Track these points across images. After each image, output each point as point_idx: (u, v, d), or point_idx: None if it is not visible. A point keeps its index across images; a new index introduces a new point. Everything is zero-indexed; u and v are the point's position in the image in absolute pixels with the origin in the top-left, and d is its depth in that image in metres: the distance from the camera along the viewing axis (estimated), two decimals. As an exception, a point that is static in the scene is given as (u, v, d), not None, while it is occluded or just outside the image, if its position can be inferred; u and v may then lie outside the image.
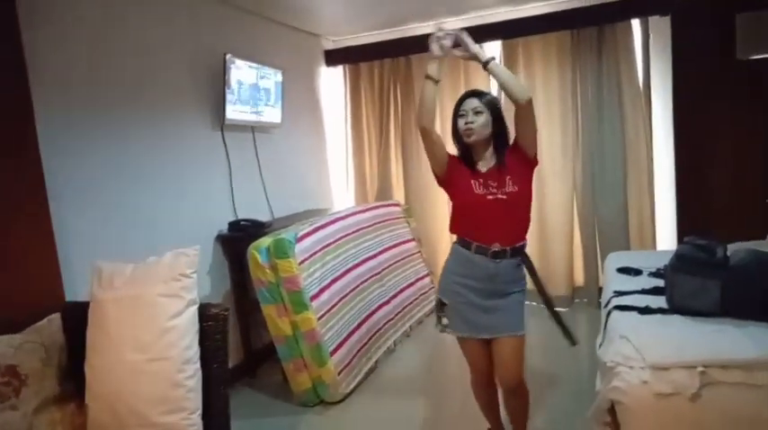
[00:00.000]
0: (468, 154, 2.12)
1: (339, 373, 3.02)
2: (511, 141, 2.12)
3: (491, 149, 2.09)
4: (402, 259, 4.14)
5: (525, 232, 2.13)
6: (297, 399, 3.04)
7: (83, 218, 2.53)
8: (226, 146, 3.47)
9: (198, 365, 1.86)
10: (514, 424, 2.26)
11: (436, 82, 2.05)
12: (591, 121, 4.13)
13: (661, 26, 3.97)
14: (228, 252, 3.41)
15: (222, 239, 3.39)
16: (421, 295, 4.22)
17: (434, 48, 2.06)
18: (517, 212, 2.08)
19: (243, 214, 3.55)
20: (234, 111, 3.38)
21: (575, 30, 4.09)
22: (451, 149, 2.20)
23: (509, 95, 1.99)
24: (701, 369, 1.55)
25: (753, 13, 4.01)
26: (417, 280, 4.23)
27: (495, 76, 2.01)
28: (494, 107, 2.08)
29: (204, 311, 1.96)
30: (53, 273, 2.27)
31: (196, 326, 1.89)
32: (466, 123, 2.05)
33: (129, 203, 2.79)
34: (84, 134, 2.56)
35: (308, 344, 2.97)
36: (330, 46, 4.80)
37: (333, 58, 4.77)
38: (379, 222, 4.08)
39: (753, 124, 4.19)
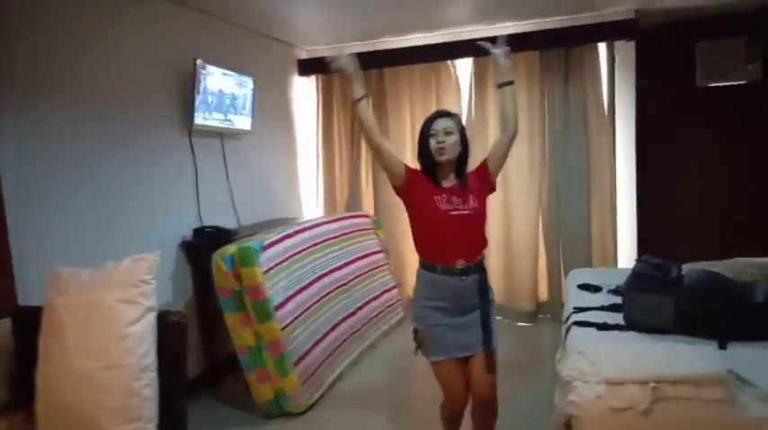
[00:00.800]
0: (432, 171, 2.15)
1: (302, 384, 2.99)
2: (471, 163, 2.19)
3: (456, 168, 2.15)
4: (369, 270, 4.14)
5: (484, 247, 2.18)
6: (259, 410, 2.99)
7: (41, 221, 2.46)
8: (193, 151, 3.43)
9: (155, 374, 1.82)
10: None
11: (367, 99, 2.11)
12: (557, 140, 4.23)
13: (627, 50, 4.10)
14: (192, 259, 3.36)
15: (186, 246, 3.33)
16: (387, 307, 4.22)
17: (347, 63, 2.15)
18: (478, 228, 2.14)
19: (208, 221, 3.50)
20: (203, 117, 3.35)
21: (543, 50, 4.19)
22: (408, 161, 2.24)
23: (508, 122, 2.19)
24: (653, 384, 1.59)
25: (711, 42, 4.20)
26: (384, 291, 4.23)
27: (509, 98, 2.19)
28: (462, 128, 2.16)
29: (163, 319, 1.93)
30: (5, 275, 2.20)
31: (154, 334, 1.86)
32: (438, 142, 2.09)
33: (91, 207, 2.72)
34: (45, 136, 2.50)
35: (271, 355, 2.94)
36: (303, 55, 4.81)
37: (306, 67, 4.77)
38: (348, 233, 4.08)
39: (712, 148, 4.36)
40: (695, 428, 1.57)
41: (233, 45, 3.87)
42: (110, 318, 1.77)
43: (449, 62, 4.48)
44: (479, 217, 2.12)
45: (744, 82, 4.16)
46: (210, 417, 3.01)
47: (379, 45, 4.56)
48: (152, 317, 1.86)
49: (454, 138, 2.10)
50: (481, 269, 2.13)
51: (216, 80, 3.44)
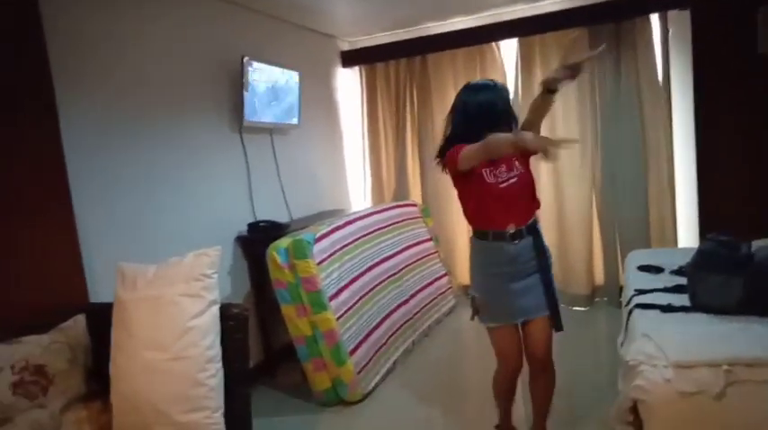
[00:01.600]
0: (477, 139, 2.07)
1: (358, 373, 3.03)
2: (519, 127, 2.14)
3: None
4: (419, 259, 4.14)
5: (536, 209, 2.15)
6: (316, 399, 3.06)
7: (105, 219, 2.57)
8: (244, 147, 3.51)
9: (219, 364, 1.88)
10: (538, 406, 2.26)
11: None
12: (610, 119, 4.08)
13: (680, 21, 3.90)
14: (248, 253, 3.44)
15: (241, 240, 3.42)
16: (439, 295, 4.21)
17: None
18: (527, 191, 2.12)
19: (262, 215, 3.58)
20: (252, 113, 3.41)
21: (592, 26, 4.04)
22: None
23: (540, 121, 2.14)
24: (725, 367, 1.52)
25: (775, 4, 3.93)
26: (435, 280, 4.23)
27: (547, 108, 2.12)
28: (502, 95, 2.14)
29: (225, 311, 1.99)
30: (77, 274, 2.31)
31: (217, 326, 1.92)
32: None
33: (151, 205, 2.83)
34: (108, 136, 2.61)
35: (327, 344, 2.99)
36: (346, 47, 4.82)
37: (349, 58, 4.79)
38: (397, 222, 4.09)
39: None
40: (772, 412, 1.50)
41: (277, 40, 3.93)
42: (174, 311, 1.84)
43: (493, 44, 4.39)
44: (527, 181, 2.11)
45: (812, 46, 3.89)
46: (269, 406, 3.10)
47: (421, 32, 4.52)
48: (215, 310, 1.92)
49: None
50: (534, 231, 2.11)
51: (263, 76, 3.49)
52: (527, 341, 2.16)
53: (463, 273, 4.63)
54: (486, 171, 2.05)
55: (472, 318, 2.23)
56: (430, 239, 4.40)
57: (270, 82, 3.57)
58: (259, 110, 3.48)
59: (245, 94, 3.32)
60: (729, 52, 4.13)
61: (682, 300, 2.16)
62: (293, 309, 3.03)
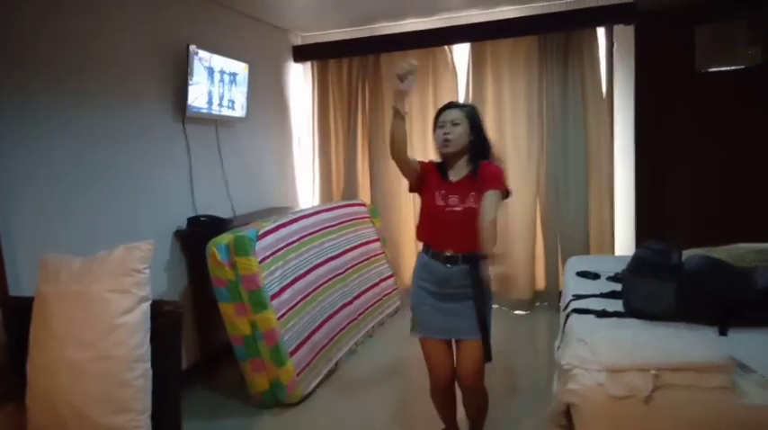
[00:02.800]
0: (443, 163, 2.17)
1: (298, 374, 2.97)
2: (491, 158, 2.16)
3: (465, 158, 2.14)
4: (366, 259, 4.11)
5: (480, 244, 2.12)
6: (254, 400, 2.97)
7: (33, 211, 2.41)
8: (187, 139, 3.38)
9: (148, 364, 1.79)
10: (472, 423, 2.32)
11: (403, 117, 2.06)
12: (555, 126, 4.18)
13: (625, 35, 4.05)
14: (187, 248, 3.32)
15: (180, 235, 3.30)
16: (384, 296, 4.20)
17: (404, 84, 2.03)
18: (472, 226, 2.03)
19: (203, 210, 3.47)
20: (196, 104, 3.29)
21: (542, 35, 4.13)
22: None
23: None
24: (654, 372, 1.57)
25: (711, 25, 4.14)
26: (381, 280, 4.21)
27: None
28: (472, 117, 2.13)
29: (157, 308, 1.90)
30: (-5, 265, 2.16)
31: (147, 324, 1.83)
32: (444, 134, 2.09)
33: (85, 195, 2.68)
34: (38, 124, 2.45)
35: (266, 344, 2.91)
36: (298, 41, 4.74)
37: (301, 53, 4.71)
38: (344, 222, 4.04)
39: (711, 133, 4.32)
40: (696, 415, 1.55)
41: (227, 31, 3.81)
42: (100, 308, 1.73)
43: (445, 47, 4.42)
44: (474, 217, 2.04)
45: (743, 66, 4.12)
46: (205, 407, 2.99)
47: (375, 31, 4.50)
48: (146, 307, 1.83)
49: (461, 129, 2.09)
50: (472, 261, 2.10)
51: (209, 66, 3.38)
52: (457, 362, 2.19)
53: (409, 275, 4.62)
54: (438, 193, 2.11)
55: (411, 332, 2.27)
56: (377, 240, 4.38)
57: (216, 72, 3.45)
58: (204, 100, 3.36)
59: (190, 83, 3.20)
60: (669, 68, 4.32)
61: (616, 305, 2.22)
62: (232, 307, 2.93)
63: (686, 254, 2.29)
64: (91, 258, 1.88)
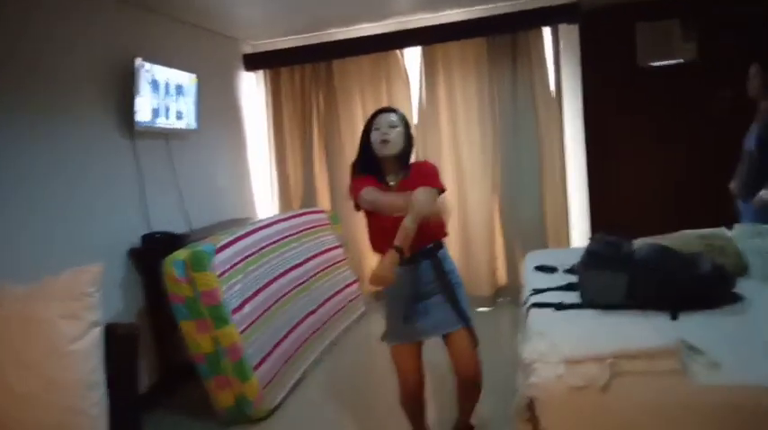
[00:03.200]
0: (377, 168, 2.18)
1: (264, 388, 2.92)
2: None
3: (399, 163, 2.19)
4: (328, 266, 4.09)
5: (435, 234, 2.18)
6: (220, 418, 2.91)
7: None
8: (137, 154, 3.29)
9: (103, 391, 1.73)
10: (463, 411, 2.36)
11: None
12: (508, 125, 4.26)
13: (570, 34, 4.17)
14: (142, 267, 3.23)
15: (135, 253, 3.20)
16: (348, 302, 4.18)
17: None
18: (422, 221, 2.06)
19: (158, 226, 3.38)
20: (144, 118, 3.21)
21: (490, 36, 4.21)
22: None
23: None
24: (610, 360, 1.61)
25: (650, 22, 4.31)
26: (345, 287, 4.19)
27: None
28: (406, 123, 2.20)
29: (111, 332, 1.84)
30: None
31: (101, 349, 1.77)
32: (383, 135, 2.11)
33: (26, 219, 2.57)
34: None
35: (229, 360, 2.86)
36: (249, 50, 4.68)
37: (252, 62, 4.66)
38: (305, 230, 4.01)
39: (654, 125, 4.49)
40: (651, 399, 1.60)
41: (173, 41, 3.74)
42: (48, 334, 1.67)
43: (397, 52, 4.45)
44: None
45: (681, 61, 4.30)
46: (168, 428, 2.91)
47: (327, 37, 4.49)
48: (97, 332, 1.77)
49: (398, 131, 2.14)
50: (431, 254, 2.15)
51: (157, 78, 3.30)
52: (452, 358, 2.21)
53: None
54: None
55: (382, 339, 2.28)
56: (339, 246, 4.36)
57: (163, 84, 3.38)
58: (153, 114, 3.28)
59: (137, 97, 3.12)
60: (613, 64, 4.48)
61: (573, 297, 2.27)
62: (193, 324, 2.87)
63: (636, 243, 2.37)
64: (36, 283, 1.81)
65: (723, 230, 2.62)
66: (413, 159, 2.27)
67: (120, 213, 3.15)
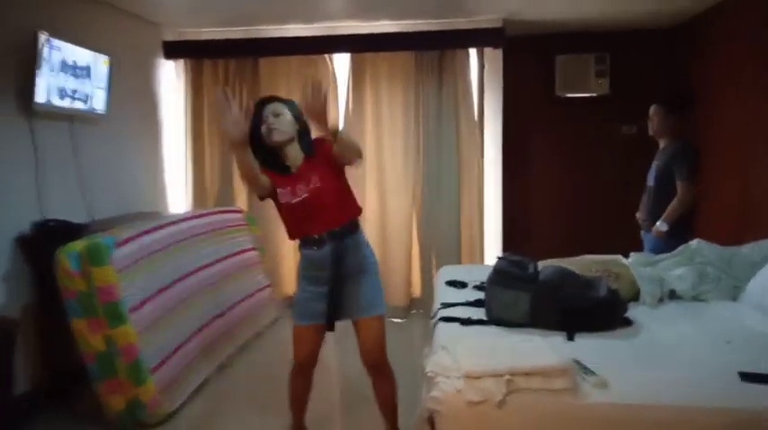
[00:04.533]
0: (275, 158, 2.18)
1: (161, 392, 2.76)
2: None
3: (296, 147, 2.19)
4: (241, 269, 3.95)
5: (342, 217, 2.19)
6: (110, 423, 2.72)
7: None
8: (33, 134, 3.03)
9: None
10: (383, 408, 2.35)
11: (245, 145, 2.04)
12: (430, 139, 4.35)
13: (495, 57, 4.32)
14: (32, 257, 2.97)
15: (23, 242, 2.94)
16: (260, 307, 4.06)
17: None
18: (327, 203, 2.14)
19: (53, 214, 3.12)
20: (45, 96, 2.97)
21: (418, 51, 4.28)
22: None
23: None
24: (507, 377, 1.65)
25: (568, 55, 4.57)
26: (257, 291, 4.07)
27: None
28: (293, 107, 2.18)
29: (-17, 327, 1.66)
30: None
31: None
32: (270, 125, 2.11)
33: None
34: None
35: (123, 361, 2.68)
36: (170, 37, 4.47)
37: (173, 50, 4.45)
38: (218, 229, 3.86)
39: (568, 152, 4.75)
40: (544, 416, 1.65)
41: (84, 19, 3.49)
42: None
43: (326, 56, 4.41)
44: (322, 195, 2.13)
45: (595, 94, 4.58)
46: (50, 434, 2.69)
47: (255, 33, 4.38)
48: (-35, 325, 1.59)
49: (286, 118, 2.14)
50: (338, 237, 2.15)
51: (63, 57, 3.06)
52: (360, 341, 2.25)
53: (289, 284, 4.55)
54: (281, 191, 2.14)
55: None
56: (254, 249, 4.23)
57: (72, 63, 3.14)
58: (54, 93, 3.04)
59: (38, 74, 2.87)
60: (534, 91, 4.70)
61: (480, 313, 2.33)
62: (85, 322, 2.67)
63: (542, 264, 2.47)
64: None
65: (620, 258, 2.80)
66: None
67: (8, 197, 2.88)
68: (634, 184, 3.84)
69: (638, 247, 3.45)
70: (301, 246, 2.22)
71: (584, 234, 4.61)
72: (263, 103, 2.17)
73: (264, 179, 2.13)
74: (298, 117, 2.17)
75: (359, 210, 2.28)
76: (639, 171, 3.70)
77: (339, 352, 3.55)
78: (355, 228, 2.23)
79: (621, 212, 4.15)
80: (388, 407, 2.35)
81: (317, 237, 2.14)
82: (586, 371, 1.75)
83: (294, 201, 2.12)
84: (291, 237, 2.25)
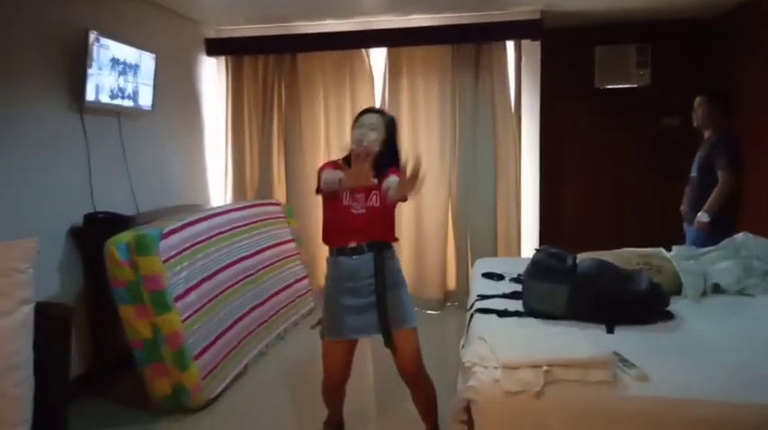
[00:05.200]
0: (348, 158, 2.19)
1: (203, 378, 2.86)
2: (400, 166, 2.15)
3: (371, 165, 2.13)
4: (279, 260, 4.04)
5: (385, 233, 2.20)
6: (154, 407, 2.83)
7: None
8: (85, 130, 3.16)
9: (29, 372, 1.66)
10: (424, 415, 2.34)
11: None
12: (467, 133, 4.32)
13: (533, 50, 4.26)
14: (83, 248, 3.11)
15: (76, 233, 3.08)
16: (297, 297, 4.14)
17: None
18: (374, 222, 2.15)
19: (103, 206, 3.25)
20: (96, 94, 3.09)
21: (455, 45, 4.26)
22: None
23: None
24: (545, 368, 1.65)
25: (608, 47, 4.48)
26: (295, 282, 4.15)
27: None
28: (389, 127, 2.20)
29: (43, 312, 1.76)
30: None
31: (30, 329, 1.69)
32: (360, 134, 2.13)
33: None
34: None
35: (169, 348, 2.78)
36: (212, 34, 4.58)
37: (214, 47, 4.55)
38: (257, 221, 3.95)
39: (607, 145, 4.66)
40: (582, 408, 1.65)
41: (131, 18, 3.61)
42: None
43: (363, 51, 4.44)
44: (377, 215, 2.14)
45: (635, 85, 4.48)
46: (100, 417, 2.82)
47: (292, 29, 4.44)
48: (27, 309, 1.69)
49: (376, 135, 2.14)
50: (377, 249, 2.15)
51: (112, 55, 3.18)
52: (396, 354, 2.21)
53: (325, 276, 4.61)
54: (346, 194, 2.12)
55: (312, 327, 2.27)
56: (292, 241, 4.31)
57: (120, 61, 3.26)
58: (105, 90, 3.16)
59: (89, 71, 3.00)
60: (572, 83, 4.62)
61: (517, 305, 2.33)
62: (132, 310, 2.78)
63: (580, 257, 2.45)
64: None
65: (662, 251, 2.75)
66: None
67: (62, 190, 3.01)
68: (677, 177, 3.75)
69: (682, 241, 3.39)
70: (336, 253, 2.18)
71: (625, 227, 4.53)
72: (368, 111, 2.23)
73: (339, 174, 2.10)
74: (389, 137, 2.18)
75: (395, 239, 2.27)
76: (683, 163, 3.61)
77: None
78: (390, 244, 2.23)
79: (664, 206, 4.06)
80: (428, 414, 2.34)
81: (355, 245, 2.14)
82: (626, 363, 1.73)
83: (352, 208, 2.12)
84: (328, 241, 2.23)
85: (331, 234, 2.22)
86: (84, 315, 3.13)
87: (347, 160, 2.20)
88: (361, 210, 2.13)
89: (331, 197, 2.15)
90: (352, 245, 2.14)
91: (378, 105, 4.46)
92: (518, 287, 2.56)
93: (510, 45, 4.25)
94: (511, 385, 1.65)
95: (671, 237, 3.50)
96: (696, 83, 4.14)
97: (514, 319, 2.22)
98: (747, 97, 3.75)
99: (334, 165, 2.21)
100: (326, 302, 2.22)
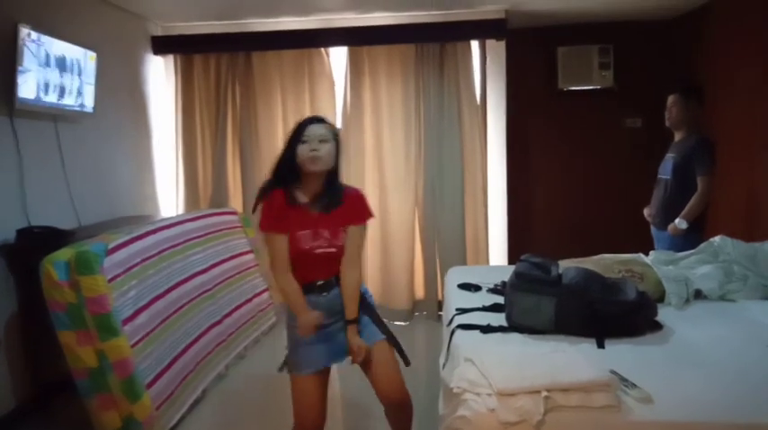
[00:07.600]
0: (296, 181, 1.95)
1: (157, 408, 2.60)
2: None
3: (323, 184, 1.97)
4: (238, 273, 3.78)
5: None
6: (103, 443, 2.55)
7: None
8: (16, 135, 2.84)
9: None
10: None
11: None
12: (432, 135, 4.19)
13: (497, 50, 4.18)
14: (16, 266, 2.79)
15: (7, 250, 2.76)
16: (258, 312, 3.89)
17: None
18: (341, 255, 2.01)
19: (38, 220, 2.94)
20: (27, 95, 2.78)
21: (419, 44, 4.12)
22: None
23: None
24: (545, 394, 1.52)
25: (571, 47, 4.45)
26: (255, 296, 3.90)
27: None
28: (337, 138, 1.98)
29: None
30: None
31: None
32: (311, 150, 1.88)
33: None
34: None
35: (117, 376, 2.50)
36: (159, 32, 4.28)
37: (162, 45, 4.25)
38: (213, 232, 3.68)
39: (571, 147, 4.64)
40: (583, 435, 1.53)
41: (69, 12, 3.29)
42: None
43: (322, 50, 4.25)
44: (342, 252, 2.00)
45: (598, 87, 4.46)
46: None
47: (246, 26, 4.20)
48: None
49: (329, 147, 1.91)
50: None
51: (46, 52, 2.87)
52: (373, 375, 2.04)
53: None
54: (301, 233, 1.93)
55: (279, 370, 2.11)
56: (250, 251, 4.06)
57: (56, 59, 2.95)
58: (38, 91, 2.85)
59: (20, 69, 2.68)
60: (537, 84, 4.57)
61: (499, 319, 2.19)
62: (74, 335, 2.49)
63: (562, 265, 2.33)
64: None
65: (641, 256, 2.68)
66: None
67: (-10, 203, 2.69)
68: (640, 179, 3.73)
69: (646, 244, 3.32)
70: (303, 291, 1.98)
71: (590, 229, 4.51)
72: (312, 121, 1.95)
73: (283, 239, 1.93)
74: (337, 149, 1.96)
75: None
76: (644, 165, 3.59)
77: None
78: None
79: (627, 208, 4.04)
80: None
81: (323, 282, 1.99)
82: (626, 383, 1.62)
83: (317, 250, 1.93)
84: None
85: (295, 274, 1.98)
86: (18, 340, 2.81)
87: (289, 182, 1.95)
88: (329, 249, 1.96)
89: (290, 237, 1.93)
90: (320, 282, 1.99)
91: (339, 107, 4.27)
92: (498, 298, 2.43)
93: (475, 45, 4.15)
94: (508, 415, 1.50)
95: (639, 239, 3.47)
96: (657, 84, 4.15)
97: (498, 335, 2.08)
98: (709, 97, 3.78)
99: (281, 197, 1.93)
100: (293, 339, 2.03)
